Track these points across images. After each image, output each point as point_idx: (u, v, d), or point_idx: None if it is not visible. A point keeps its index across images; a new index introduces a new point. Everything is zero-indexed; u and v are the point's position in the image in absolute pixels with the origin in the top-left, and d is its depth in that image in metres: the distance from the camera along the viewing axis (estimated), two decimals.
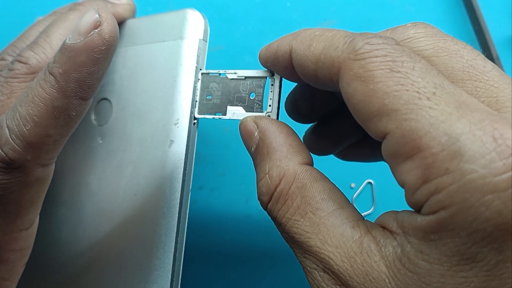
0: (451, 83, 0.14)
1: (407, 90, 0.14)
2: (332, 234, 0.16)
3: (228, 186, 0.34)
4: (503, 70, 0.33)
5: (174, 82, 0.23)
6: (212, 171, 0.34)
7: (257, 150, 0.19)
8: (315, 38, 0.17)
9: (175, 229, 0.21)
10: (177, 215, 0.22)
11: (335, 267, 0.15)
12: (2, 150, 0.19)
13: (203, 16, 0.24)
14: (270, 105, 0.22)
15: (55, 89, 0.19)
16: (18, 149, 0.19)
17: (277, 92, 0.22)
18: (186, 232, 0.22)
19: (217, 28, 0.35)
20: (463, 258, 0.13)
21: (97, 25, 0.19)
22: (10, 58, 0.23)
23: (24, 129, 0.19)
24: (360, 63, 0.15)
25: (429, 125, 0.13)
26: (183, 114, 0.22)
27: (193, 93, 0.23)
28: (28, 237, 0.21)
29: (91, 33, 0.19)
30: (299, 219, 0.16)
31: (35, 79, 0.20)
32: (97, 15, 0.19)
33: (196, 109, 0.23)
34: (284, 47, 0.19)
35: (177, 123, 0.22)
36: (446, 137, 0.13)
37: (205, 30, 0.24)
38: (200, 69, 0.23)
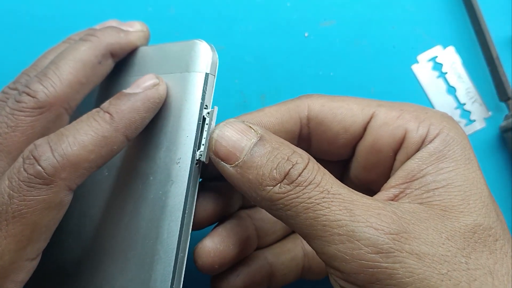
0: None
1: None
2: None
3: None
4: (503, 70, 0.33)
5: (178, 118, 0.22)
6: None
7: (260, 143, 0.21)
8: (332, 98, 0.24)
9: (171, 276, 0.20)
10: (173, 261, 0.21)
11: None
12: (39, 164, 0.19)
13: (211, 48, 0.23)
14: (203, 144, 0.22)
15: (108, 124, 0.21)
16: (57, 165, 0.19)
17: (212, 131, 0.21)
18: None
19: (217, 28, 0.35)
20: None
21: (156, 83, 0.22)
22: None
23: (69, 148, 0.20)
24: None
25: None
26: (185, 154, 0.21)
27: (196, 131, 0.21)
28: (30, 270, 0.21)
29: (150, 88, 0.22)
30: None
31: (85, 116, 0.21)
32: (157, 79, 0.23)
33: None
34: (293, 114, 0.24)
35: (179, 162, 0.21)
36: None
37: (213, 64, 0.23)
38: (206, 106, 0.22)
